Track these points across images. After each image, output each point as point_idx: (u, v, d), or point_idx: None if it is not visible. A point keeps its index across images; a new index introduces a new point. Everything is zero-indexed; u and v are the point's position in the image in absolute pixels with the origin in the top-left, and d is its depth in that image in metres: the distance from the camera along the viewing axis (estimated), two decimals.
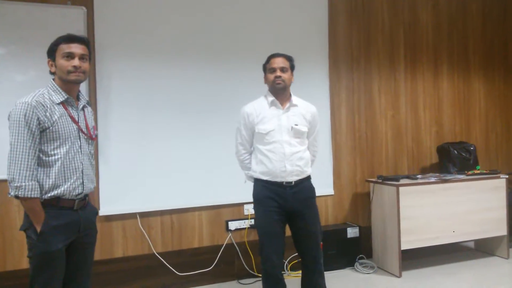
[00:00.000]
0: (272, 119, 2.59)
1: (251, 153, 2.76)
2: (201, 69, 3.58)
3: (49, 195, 1.94)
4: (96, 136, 2.20)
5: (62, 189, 1.96)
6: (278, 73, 2.57)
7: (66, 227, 1.97)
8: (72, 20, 3.20)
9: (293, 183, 2.57)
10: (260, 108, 2.64)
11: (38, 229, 1.90)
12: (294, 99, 2.67)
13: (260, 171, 2.62)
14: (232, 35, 3.69)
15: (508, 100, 4.96)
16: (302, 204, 2.60)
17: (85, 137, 2.10)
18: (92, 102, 3.27)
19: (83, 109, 2.15)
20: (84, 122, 2.12)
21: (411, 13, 4.46)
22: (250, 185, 3.63)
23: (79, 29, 3.18)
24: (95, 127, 2.22)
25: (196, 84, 3.57)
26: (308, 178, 2.69)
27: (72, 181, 2.00)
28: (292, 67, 2.66)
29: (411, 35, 4.46)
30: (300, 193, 2.60)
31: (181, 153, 3.52)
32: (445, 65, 4.64)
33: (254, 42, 3.74)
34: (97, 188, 3.29)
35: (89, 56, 2.11)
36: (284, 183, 2.56)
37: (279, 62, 2.59)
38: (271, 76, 2.61)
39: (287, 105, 2.63)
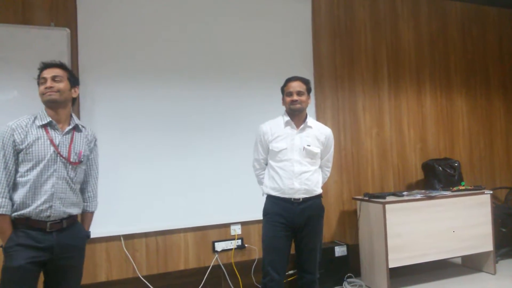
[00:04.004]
0: (285, 138, 2.67)
1: (265, 169, 2.82)
2: (185, 89, 3.58)
3: (17, 213, 2.01)
4: (81, 161, 2.16)
5: (29, 209, 2.01)
6: (295, 97, 2.66)
7: (34, 247, 1.99)
8: (55, 42, 3.19)
9: (301, 199, 2.62)
10: (276, 127, 2.72)
11: (3, 244, 1.99)
12: (310, 121, 2.75)
13: (271, 186, 2.69)
14: (218, 57, 3.71)
15: (490, 116, 5.05)
16: (307, 220, 2.65)
17: (64, 161, 2.08)
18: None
19: (70, 133, 2.15)
20: (67, 146, 2.11)
21: (393, 33, 4.55)
22: (236, 206, 3.65)
23: (62, 51, 3.18)
24: (81, 152, 2.17)
25: (180, 105, 3.56)
26: (318, 196, 2.73)
27: (39, 203, 2.01)
28: (308, 90, 2.73)
29: (394, 55, 4.54)
30: (307, 210, 2.65)
31: (165, 173, 3.49)
32: (428, 83, 4.72)
33: (240, 63, 3.77)
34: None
35: (70, 77, 2.17)
36: (292, 199, 2.62)
37: (295, 86, 2.68)
38: (288, 99, 2.70)
39: (302, 126, 2.70)
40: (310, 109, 3.99)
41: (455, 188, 4.13)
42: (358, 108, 4.33)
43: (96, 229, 3.22)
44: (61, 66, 2.16)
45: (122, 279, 3.36)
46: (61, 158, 2.07)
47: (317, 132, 2.74)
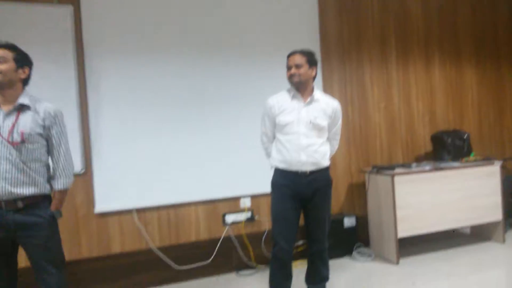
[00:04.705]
0: (292, 112, 2.68)
1: (273, 142, 2.84)
2: (192, 64, 3.60)
3: None
4: (24, 141, 2.09)
5: None
6: (293, 70, 2.66)
7: None
8: (58, 19, 3.21)
9: (308, 172, 2.65)
10: (283, 100, 2.73)
11: None
12: (317, 94, 2.74)
13: (279, 159, 2.72)
14: (223, 31, 3.70)
15: (500, 87, 4.99)
16: (315, 191, 2.68)
17: (4, 141, 2.07)
18: (83, 100, 3.30)
19: (13, 113, 2.12)
20: (9, 126, 2.09)
21: (401, 4, 4.49)
22: (245, 178, 3.70)
23: (66, 28, 3.21)
24: (23, 132, 2.10)
25: (187, 79, 3.58)
26: (325, 169, 2.75)
27: None
28: (311, 62, 2.69)
29: (402, 26, 4.49)
30: (315, 182, 2.68)
31: (176, 148, 3.53)
32: (437, 55, 4.67)
33: (246, 38, 3.76)
34: (90, 186, 3.31)
35: (16, 57, 2.15)
36: (299, 172, 2.65)
37: (293, 60, 2.68)
38: (287, 73, 2.71)
39: (309, 99, 2.70)
40: (317, 83, 4.01)
41: (464, 159, 4.14)
42: (365, 81, 4.32)
43: (109, 204, 3.34)
44: (6, 46, 2.12)
45: (136, 250, 3.44)
46: (1, 139, 2.06)
47: (324, 105, 2.74)
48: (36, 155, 2.15)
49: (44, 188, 2.17)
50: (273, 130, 2.79)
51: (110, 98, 3.36)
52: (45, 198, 2.19)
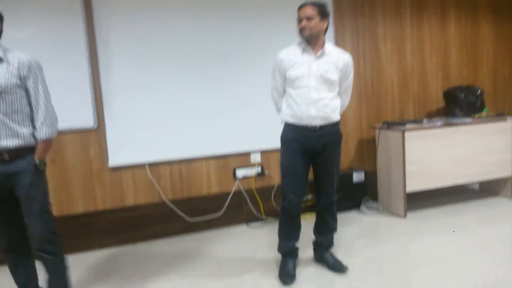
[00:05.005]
0: (302, 65, 2.63)
1: (283, 97, 2.82)
2: (202, 18, 3.54)
3: None
4: None
5: None
6: (303, 23, 2.59)
7: None
8: None
9: (318, 127, 2.64)
10: (293, 54, 2.68)
11: None
12: (328, 47, 2.68)
13: (288, 114, 2.70)
14: None
15: None
16: (324, 146, 2.68)
17: None
18: (93, 56, 3.29)
19: None
20: None
21: None
22: (255, 134, 3.72)
23: None
24: None
25: (197, 33, 3.54)
26: (336, 123, 2.74)
27: None
28: (322, 14, 2.61)
29: None
30: (325, 136, 2.67)
31: (187, 103, 3.55)
32: (452, 10, 4.53)
33: None
34: (103, 140, 3.37)
35: None
36: (309, 126, 2.64)
37: (304, 12, 2.59)
38: (298, 27, 2.64)
39: (320, 52, 2.65)
40: (329, 36, 3.93)
41: (476, 115, 4.10)
42: (379, 35, 4.22)
43: (122, 158, 3.40)
44: None
45: (149, 203, 3.54)
46: None
47: (336, 59, 2.68)
48: (16, 107, 2.10)
49: (29, 140, 2.15)
50: (284, 84, 2.76)
51: (120, 52, 3.35)
52: (31, 150, 2.16)
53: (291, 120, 2.69)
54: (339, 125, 2.76)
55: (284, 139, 2.75)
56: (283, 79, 2.73)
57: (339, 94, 2.77)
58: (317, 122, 2.63)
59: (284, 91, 2.78)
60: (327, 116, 2.65)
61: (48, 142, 2.20)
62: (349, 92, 2.87)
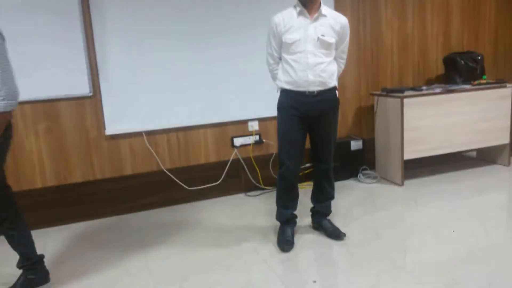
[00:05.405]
0: (299, 29, 2.57)
1: (279, 64, 2.76)
2: None
3: None
4: None
5: None
6: None
7: None
8: None
9: (315, 92, 2.60)
10: (289, 17, 2.61)
11: None
12: (324, 9, 2.61)
13: (285, 80, 2.65)
14: None
15: None
16: (321, 113, 2.65)
17: None
18: (87, 23, 3.21)
19: None
20: None
21: None
22: (253, 102, 3.69)
23: None
24: None
25: (196, 0, 3.45)
26: (333, 89, 2.70)
27: None
28: None
29: None
30: (322, 103, 2.63)
31: (183, 70, 3.49)
32: None
33: None
34: (99, 109, 3.33)
35: None
36: (306, 92, 2.60)
37: None
38: None
39: (316, 15, 2.58)
40: (329, 1, 3.84)
41: (476, 82, 4.06)
42: None
43: (118, 126, 3.37)
44: None
45: (147, 172, 3.54)
46: None
47: (332, 21, 2.62)
48: None
49: None
50: (279, 50, 2.69)
51: (114, 18, 3.25)
52: None
53: (287, 87, 2.64)
54: (336, 91, 2.73)
55: (281, 106, 2.71)
56: (279, 45, 2.66)
57: (335, 58, 2.71)
58: (315, 88, 2.59)
59: (280, 58, 2.72)
60: (325, 82, 2.60)
61: (2, 115, 2.07)
62: (345, 56, 2.81)
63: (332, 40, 2.60)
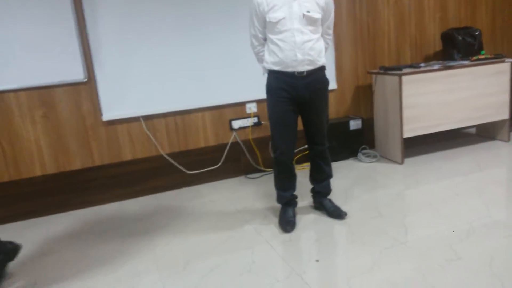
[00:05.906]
0: (283, 7, 2.49)
1: (264, 45, 2.69)
2: None
3: None
4: None
5: None
6: None
7: None
8: None
9: (305, 73, 2.54)
10: None
11: None
12: None
13: (272, 61, 2.58)
14: None
15: None
16: (312, 94, 2.60)
17: None
18: (78, 9, 3.14)
19: None
20: None
21: None
22: (250, 84, 3.65)
23: None
24: None
25: None
26: (322, 68, 2.64)
27: None
28: None
29: None
30: (311, 84, 2.58)
31: (180, 53, 3.44)
32: None
33: None
34: (95, 94, 3.30)
35: None
36: (296, 73, 2.54)
37: None
38: None
39: None
40: None
41: (474, 58, 4.02)
42: None
43: (115, 112, 3.34)
44: None
45: (146, 157, 3.53)
46: None
47: None
48: None
49: None
50: (263, 31, 2.61)
51: (106, 4, 3.19)
52: None
53: (275, 68, 2.57)
54: (325, 71, 2.68)
55: (270, 88, 2.65)
56: (262, 25, 2.58)
57: (321, 35, 2.65)
58: (304, 68, 2.52)
59: (265, 39, 2.65)
60: (313, 60, 2.54)
61: None
62: (331, 32, 2.75)
63: (318, 15, 2.53)
